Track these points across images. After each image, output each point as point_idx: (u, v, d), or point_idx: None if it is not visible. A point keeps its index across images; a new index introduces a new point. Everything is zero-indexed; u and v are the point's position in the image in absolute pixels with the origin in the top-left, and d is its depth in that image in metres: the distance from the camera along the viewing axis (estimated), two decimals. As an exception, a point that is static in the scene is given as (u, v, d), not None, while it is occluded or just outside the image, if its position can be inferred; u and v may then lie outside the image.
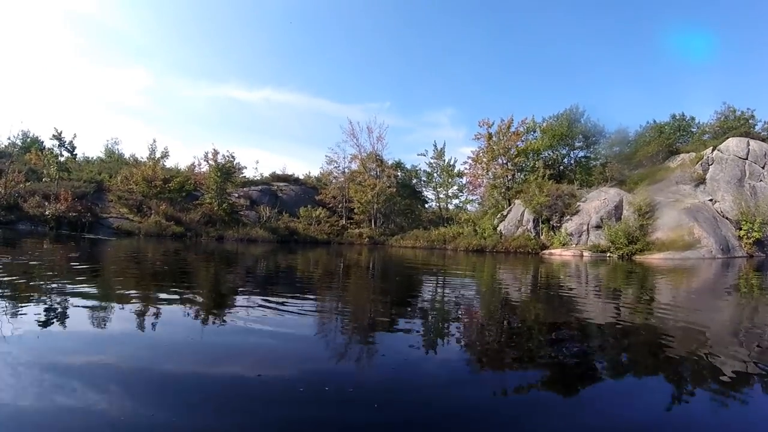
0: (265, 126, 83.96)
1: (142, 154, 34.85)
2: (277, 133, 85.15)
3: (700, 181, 27.17)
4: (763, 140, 28.16)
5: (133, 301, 5.34)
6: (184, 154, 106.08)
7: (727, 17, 67.18)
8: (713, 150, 27.98)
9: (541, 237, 27.44)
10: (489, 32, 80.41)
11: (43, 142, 31.99)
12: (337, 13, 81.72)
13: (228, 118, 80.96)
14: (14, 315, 4.04)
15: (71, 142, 27.21)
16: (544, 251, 25.36)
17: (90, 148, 75.16)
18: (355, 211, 36.10)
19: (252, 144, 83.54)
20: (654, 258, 21.08)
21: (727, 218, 24.91)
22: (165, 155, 33.89)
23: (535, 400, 2.70)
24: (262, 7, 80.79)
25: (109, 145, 43.70)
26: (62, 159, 27.62)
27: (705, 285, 11.69)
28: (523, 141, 35.08)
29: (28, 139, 39.52)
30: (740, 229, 24.02)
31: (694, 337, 4.66)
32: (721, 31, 66.05)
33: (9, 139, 38.71)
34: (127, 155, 41.23)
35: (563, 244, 25.46)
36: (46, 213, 22.38)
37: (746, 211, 24.24)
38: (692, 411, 2.62)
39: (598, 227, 24.92)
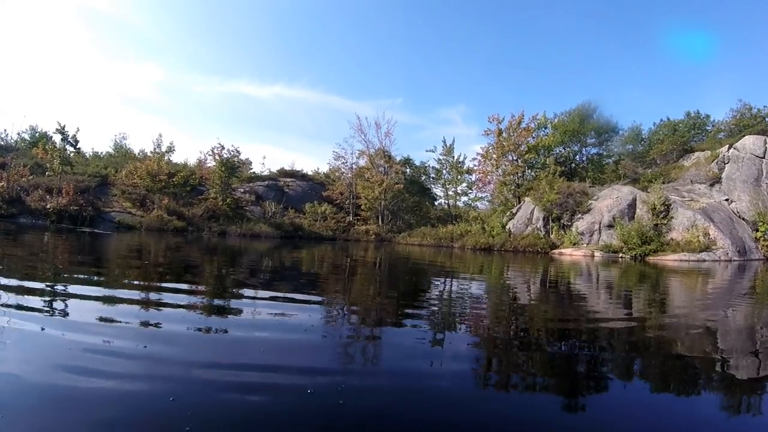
0: (276, 122, 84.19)
1: (151, 149, 34.68)
2: (288, 129, 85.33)
3: (716, 180, 26.40)
4: (780, 138, 27.27)
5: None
6: (194, 149, 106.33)
7: (742, 15, 65.91)
8: (729, 148, 27.18)
9: (551, 236, 26.81)
10: (502, 29, 79.83)
11: (51, 137, 31.93)
12: (349, 9, 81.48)
13: (239, 113, 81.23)
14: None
15: (74, 136, 26.90)
16: (554, 251, 24.73)
17: (100, 142, 75.73)
18: (362, 207, 35.72)
19: (262, 140, 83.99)
20: (668, 259, 20.43)
21: (743, 219, 24.13)
22: (170, 149, 33.70)
23: (541, 407, 2.61)
24: (274, 3, 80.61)
25: (117, 140, 43.74)
26: (69, 153, 27.44)
27: (720, 289, 11.16)
28: (533, 137, 34.43)
29: (37, 134, 39.59)
30: (757, 230, 23.25)
31: (706, 342, 4.50)
32: (736, 29, 65.05)
33: (18, 134, 38.90)
34: (136, 150, 41.20)
35: (574, 244, 24.82)
36: (48, 207, 22.21)
37: (763, 212, 23.46)
38: (703, 418, 2.56)
39: (610, 226, 24.21)
